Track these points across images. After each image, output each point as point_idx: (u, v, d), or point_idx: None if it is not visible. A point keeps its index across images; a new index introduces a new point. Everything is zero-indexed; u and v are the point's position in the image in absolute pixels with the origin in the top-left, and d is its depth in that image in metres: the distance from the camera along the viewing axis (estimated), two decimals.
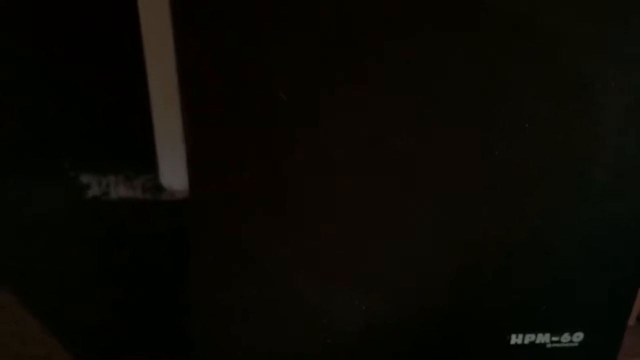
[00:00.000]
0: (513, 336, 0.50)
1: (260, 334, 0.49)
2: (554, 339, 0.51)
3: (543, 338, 0.50)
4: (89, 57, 0.68)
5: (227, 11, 0.38)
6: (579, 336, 0.51)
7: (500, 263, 0.47)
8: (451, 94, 0.41)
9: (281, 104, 0.40)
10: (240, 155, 0.42)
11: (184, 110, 0.41)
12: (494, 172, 0.44)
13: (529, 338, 0.50)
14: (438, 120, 0.42)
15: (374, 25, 0.39)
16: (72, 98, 0.70)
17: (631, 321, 0.68)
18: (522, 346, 0.50)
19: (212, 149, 0.42)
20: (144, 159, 0.73)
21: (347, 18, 0.39)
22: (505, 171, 0.44)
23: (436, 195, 0.44)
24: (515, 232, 0.46)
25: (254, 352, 0.50)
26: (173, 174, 0.73)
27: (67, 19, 0.65)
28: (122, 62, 0.67)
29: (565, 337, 0.51)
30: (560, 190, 0.45)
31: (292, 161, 0.43)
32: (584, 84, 0.41)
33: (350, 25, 0.39)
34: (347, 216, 0.45)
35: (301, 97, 0.40)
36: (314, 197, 0.44)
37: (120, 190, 0.72)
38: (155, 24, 0.59)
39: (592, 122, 0.43)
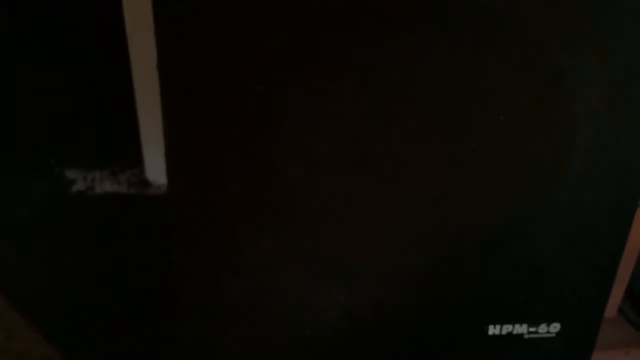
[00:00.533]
0: (491, 327, 0.51)
1: (242, 327, 0.50)
2: (531, 329, 0.51)
3: (520, 329, 0.51)
4: (72, 53, 0.68)
5: (206, 9, 0.38)
6: (555, 327, 0.51)
7: (477, 254, 0.48)
8: (428, 88, 0.41)
9: (258, 98, 0.40)
10: (218, 150, 0.43)
11: (162, 105, 0.41)
12: (471, 163, 0.44)
13: (507, 329, 0.51)
14: (415, 114, 0.42)
15: (354, 23, 0.39)
16: (56, 93, 0.70)
17: (612, 313, 0.68)
18: (500, 337, 0.51)
19: (189, 144, 0.42)
20: (129, 154, 0.72)
21: (329, 15, 0.39)
22: (481, 162, 0.44)
23: (414, 187, 0.45)
24: (491, 223, 0.46)
25: (237, 345, 0.51)
26: (158, 168, 0.73)
27: (50, 15, 0.65)
28: (107, 58, 0.67)
29: (543, 328, 0.51)
30: (536, 181, 0.46)
31: (272, 155, 0.43)
32: (559, 75, 0.42)
33: (331, 23, 0.39)
34: (327, 209, 0.45)
35: (277, 90, 0.41)
36: (294, 191, 0.44)
37: (105, 185, 0.72)
38: (139, 21, 0.59)
39: (567, 113, 0.43)
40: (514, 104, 0.42)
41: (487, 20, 0.40)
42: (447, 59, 0.41)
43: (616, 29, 0.41)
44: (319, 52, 0.40)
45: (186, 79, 0.40)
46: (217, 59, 0.39)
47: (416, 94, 0.42)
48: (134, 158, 0.71)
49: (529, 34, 0.41)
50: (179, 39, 0.39)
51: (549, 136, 0.44)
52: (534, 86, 0.42)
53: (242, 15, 0.39)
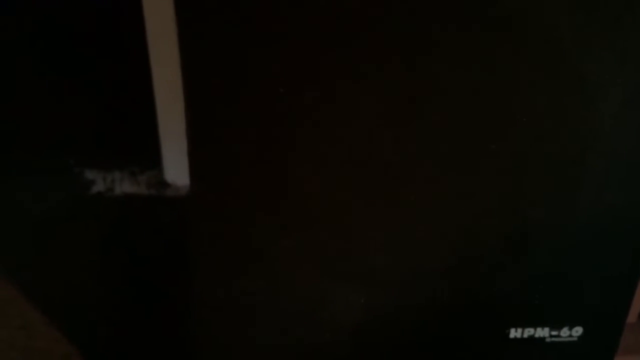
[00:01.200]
0: (512, 330, 0.50)
1: (261, 329, 0.50)
2: (553, 333, 0.51)
3: (542, 332, 0.51)
4: (92, 53, 0.68)
5: (229, 9, 0.38)
6: (578, 331, 0.51)
7: (498, 257, 0.47)
8: (449, 89, 0.41)
9: (281, 100, 0.40)
10: (240, 151, 0.43)
11: (186, 106, 0.41)
12: (492, 165, 0.44)
13: (528, 332, 0.50)
14: (435, 115, 0.42)
15: (370, 24, 0.39)
16: (77, 94, 0.71)
17: (632, 318, 0.68)
18: (521, 340, 0.51)
19: (213, 144, 0.43)
20: (148, 155, 0.73)
21: (343, 18, 0.39)
22: (502, 164, 0.44)
23: (434, 189, 0.45)
24: (514, 225, 0.46)
25: (254, 347, 0.51)
26: (177, 169, 0.73)
27: (71, 15, 0.65)
28: (126, 58, 0.68)
29: (565, 332, 0.51)
30: (558, 184, 0.45)
31: (292, 157, 0.43)
32: (580, 76, 0.41)
33: (346, 25, 0.39)
34: (346, 210, 0.45)
35: (301, 93, 0.41)
36: (313, 191, 0.45)
37: (124, 186, 0.73)
38: (159, 20, 0.59)
39: (588, 114, 0.43)
40: (535, 107, 0.42)
41: (507, 23, 0.40)
42: (467, 62, 0.41)
43: (635, 30, 0.41)
44: (340, 56, 0.40)
45: (210, 80, 0.40)
46: (240, 59, 0.40)
47: (436, 97, 0.42)
48: (153, 159, 0.71)
49: (550, 36, 0.40)
50: (202, 39, 0.39)
51: (570, 139, 0.44)
52: (555, 89, 0.42)
53: (266, 17, 0.39)
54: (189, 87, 0.40)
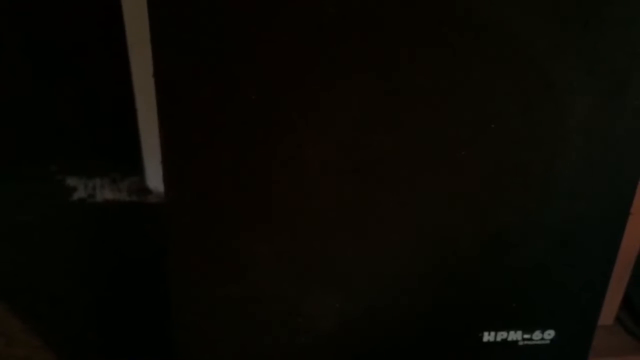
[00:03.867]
0: (485, 334, 0.51)
1: (238, 334, 0.50)
2: (526, 336, 0.51)
3: (515, 335, 0.51)
4: (75, 62, 0.69)
5: (202, 16, 0.39)
6: (550, 334, 0.51)
7: (471, 261, 0.48)
8: (419, 96, 0.42)
9: (254, 106, 0.41)
10: (214, 158, 0.43)
11: (158, 112, 0.41)
12: (462, 171, 0.44)
13: (501, 335, 0.51)
14: (407, 122, 0.43)
15: (348, 28, 0.40)
16: (59, 102, 0.71)
17: (609, 321, 0.69)
18: (495, 344, 0.51)
19: (186, 151, 0.43)
20: (130, 162, 0.73)
21: (319, 23, 0.40)
22: (472, 171, 0.45)
23: (406, 195, 0.45)
24: (484, 230, 0.47)
25: (231, 352, 0.51)
26: (159, 176, 0.73)
27: (54, 26, 0.66)
28: (108, 67, 0.68)
29: (537, 335, 0.51)
30: (528, 189, 0.46)
31: (266, 163, 0.43)
32: (549, 84, 0.42)
33: (322, 32, 0.40)
34: (323, 217, 0.46)
35: (273, 98, 0.41)
36: (288, 196, 0.45)
37: (106, 192, 0.73)
38: (138, 31, 0.60)
39: (558, 121, 0.43)
40: (505, 113, 0.43)
41: (477, 30, 0.40)
42: (439, 69, 0.41)
43: (605, 38, 0.41)
44: (317, 60, 0.41)
45: (182, 87, 0.41)
46: (213, 67, 0.40)
47: (408, 105, 0.42)
48: (135, 166, 0.72)
49: (519, 43, 0.41)
50: (174, 47, 0.40)
51: (540, 144, 0.44)
52: (525, 95, 0.42)
53: (239, 24, 0.39)
54: (160, 94, 0.40)
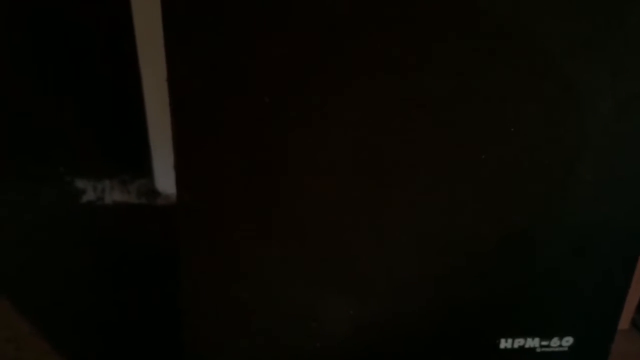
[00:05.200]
0: (502, 341, 0.50)
1: (250, 338, 0.50)
2: (544, 343, 0.51)
3: (532, 342, 0.50)
4: (84, 65, 0.68)
5: (213, 23, 0.39)
6: (568, 340, 0.51)
7: (488, 267, 0.47)
8: (437, 98, 0.41)
9: (266, 109, 0.40)
10: (227, 161, 0.43)
11: (172, 115, 0.41)
12: (481, 175, 0.44)
13: (518, 342, 0.50)
14: (425, 124, 0.42)
15: (357, 31, 0.39)
16: (68, 104, 0.71)
17: (625, 325, 0.68)
18: (512, 350, 0.50)
19: (199, 154, 0.43)
20: (139, 164, 0.73)
21: (330, 26, 0.39)
22: (492, 174, 0.44)
23: (424, 199, 0.45)
24: (503, 235, 0.46)
25: (244, 355, 0.51)
26: (168, 178, 0.73)
27: (63, 27, 0.65)
28: (118, 70, 0.68)
29: (555, 342, 0.51)
30: (547, 192, 0.45)
31: (279, 166, 0.43)
32: (569, 85, 0.41)
33: (333, 34, 0.39)
34: (334, 219, 0.45)
35: (286, 102, 0.41)
36: (301, 201, 0.44)
37: (115, 194, 0.72)
38: (149, 33, 0.59)
39: (578, 123, 0.43)
40: (525, 115, 0.42)
41: (497, 30, 0.40)
42: (457, 69, 0.41)
43: (626, 39, 0.41)
44: (330, 63, 0.40)
45: (195, 91, 0.40)
46: (225, 70, 0.40)
47: (425, 107, 0.42)
48: (144, 168, 0.71)
49: (539, 43, 0.40)
50: (187, 50, 0.39)
51: (560, 146, 0.44)
52: (544, 97, 0.42)
53: (251, 27, 0.39)
54: (174, 97, 0.40)
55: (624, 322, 0.67)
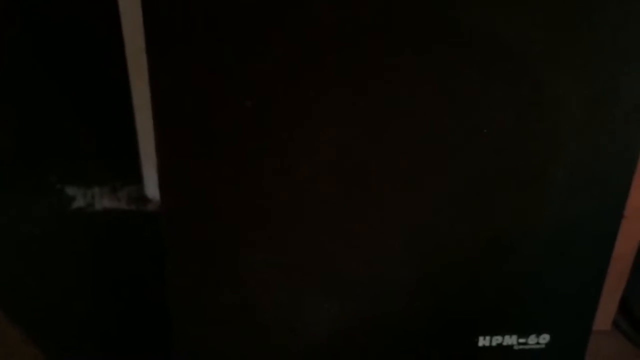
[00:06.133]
0: (480, 338, 0.51)
1: (235, 341, 0.50)
2: (521, 340, 0.51)
3: (510, 340, 0.51)
4: (73, 72, 0.69)
5: (195, 30, 0.39)
6: (545, 338, 0.51)
7: (465, 266, 0.48)
8: (413, 104, 0.42)
9: (248, 114, 0.41)
10: (209, 165, 0.44)
11: (154, 119, 0.42)
12: (457, 176, 0.45)
13: (496, 340, 0.51)
14: (400, 130, 0.43)
15: (338, 42, 0.40)
16: (58, 111, 0.72)
17: (607, 326, 0.68)
18: (490, 348, 0.51)
19: (181, 159, 0.43)
20: (129, 171, 0.73)
21: (314, 32, 0.40)
22: (467, 175, 0.45)
23: (402, 200, 0.45)
24: (480, 236, 0.47)
25: (229, 356, 0.51)
26: (158, 184, 0.73)
27: (52, 38, 0.66)
28: (107, 77, 0.69)
29: (532, 339, 0.51)
30: (522, 195, 0.46)
31: (261, 170, 0.44)
32: (540, 89, 0.42)
33: (317, 39, 0.40)
34: (316, 222, 0.46)
35: (269, 107, 0.42)
36: (283, 203, 0.45)
37: (105, 201, 0.73)
38: (138, 41, 0.60)
39: (549, 126, 0.44)
40: (497, 118, 0.43)
41: (467, 37, 0.41)
42: (431, 75, 0.42)
43: (595, 44, 0.42)
44: (311, 70, 0.41)
45: (177, 94, 0.41)
46: (207, 75, 0.41)
47: (400, 112, 0.43)
48: (134, 175, 0.72)
49: (510, 48, 0.41)
50: (169, 54, 0.40)
51: (532, 149, 0.45)
52: (517, 100, 0.43)
53: (235, 33, 0.40)
54: (156, 101, 0.41)
55: (606, 324, 0.68)
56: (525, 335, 0.51)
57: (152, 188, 0.78)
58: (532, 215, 0.47)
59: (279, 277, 0.48)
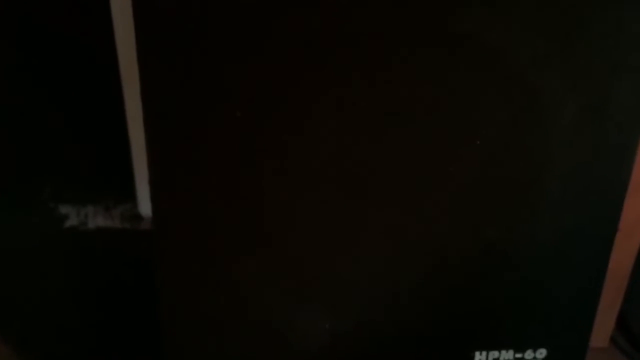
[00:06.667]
0: (477, 354, 0.50)
1: (228, 352, 0.50)
2: (518, 355, 0.51)
3: (507, 355, 0.51)
4: (66, 87, 0.70)
5: (185, 38, 0.40)
6: (542, 352, 0.51)
7: (460, 279, 0.48)
8: (403, 112, 0.42)
9: (238, 123, 0.41)
10: (201, 174, 0.43)
11: (146, 136, 0.42)
12: (449, 188, 0.45)
13: (493, 355, 0.50)
14: (392, 139, 0.43)
15: (331, 45, 0.40)
16: (50, 128, 0.72)
17: (604, 343, 0.68)
18: None
19: (172, 168, 0.43)
20: (122, 189, 0.73)
21: (304, 38, 0.40)
22: (459, 187, 0.45)
23: (394, 212, 0.45)
24: (473, 247, 0.47)
25: None
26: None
27: (44, 51, 0.67)
28: (100, 93, 0.69)
29: (529, 354, 0.51)
30: (516, 206, 0.46)
31: (253, 180, 0.44)
32: (532, 98, 0.43)
33: (309, 45, 0.40)
34: (312, 233, 0.46)
35: (260, 116, 0.42)
36: (278, 213, 0.45)
37: (98, 220, 0.73)
38: (132, 55, 0.60)
39: (543, 136, 0.44)
40: (490, 128, 0.43)
41: (458, 45, 0.41)
42: (421, 85, 0.42)
43: (586, 52, 0.42)
44: (302, 76, 0.41)
45: (168, 105, 0.41)
46: (198, 87, 0.41)
47: (393, 119, 0.43)
48: (127, 193, 0.72)
49: (503, 56, 0.41)
50: (160, 66, 0.40)
51: (526, 159, 0.45)
52: (509, 109, 0.43)
53: (225, 41, 0.40)
54: (148, 117, 0.41)
55: (604, 340, 0.68)
56: (522, 350, 0.51)
57: (145, 206, 0.77)
58: (526, 226, 0.47)
59: (272, 287, 0.47)
